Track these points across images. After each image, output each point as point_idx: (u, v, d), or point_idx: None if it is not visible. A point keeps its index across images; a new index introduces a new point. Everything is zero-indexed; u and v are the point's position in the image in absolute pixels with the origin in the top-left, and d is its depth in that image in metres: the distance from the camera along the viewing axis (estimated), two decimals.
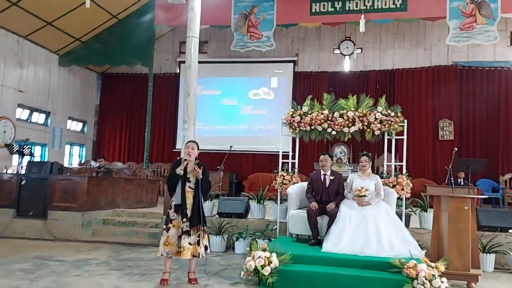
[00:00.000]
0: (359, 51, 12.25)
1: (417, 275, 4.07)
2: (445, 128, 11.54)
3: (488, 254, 5.63)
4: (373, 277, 4.26)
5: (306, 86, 12.69)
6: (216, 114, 13.16)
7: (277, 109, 12.51)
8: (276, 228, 6.50)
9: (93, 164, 12.48)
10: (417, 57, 12.05)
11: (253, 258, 4.52)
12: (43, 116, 11.85)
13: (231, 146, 9.49)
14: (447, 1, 9.77)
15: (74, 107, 13.05)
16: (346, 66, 12.33)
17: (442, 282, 4.05)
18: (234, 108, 13.21)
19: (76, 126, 13.36)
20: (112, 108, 14.00)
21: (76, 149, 13.52)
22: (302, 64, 12.85)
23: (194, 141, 4.70)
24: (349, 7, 10.33)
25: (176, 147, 13.39)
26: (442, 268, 4.23)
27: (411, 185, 6.12)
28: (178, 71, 13.68)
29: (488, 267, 5.60)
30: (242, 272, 4.59)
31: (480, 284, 4.75)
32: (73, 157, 13.36)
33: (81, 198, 7.39)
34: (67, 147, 12.97)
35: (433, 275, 4.07)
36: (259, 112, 13.02)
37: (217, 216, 6.95)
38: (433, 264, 4.23)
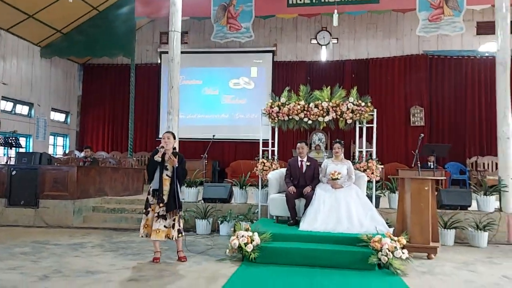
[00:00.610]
0: (335, 41, 12.72)
1: (381, 247, 4.62)
2: (416, 115, 12.20)
3: (448, 230, 6.25)
4: (344, 250, 4.80)
5: (284, 75, 13.13)
6: (198, 104, 13.50)
7: (257, 98, 12.96)
8: (257, 211, 6.99)
9: (78, 154, 12.72)
10: (389, 46, 12.61)
11: (237, 237, 5.00)
12: (26, 107, 12.01)
13: (213, 135, 9.86)
14: None
15: (56, 98, 13.19)
16: (323, 55, 12.80)
17: (403, 253, 4.62)
18: (215, 98, 13.58)
19: (59, 117, 13.52)
20: (94, 99, 14.19)
21: (60, 139, 13.70)
22: (280, 54, 13.27)
23: (170, 132, 5.11)
24: None
25: (159, 136, 13.70)
26: (404, 241, 4.80)
27: (380, 169, 6.68)
28: (159, 61, 13.93)
29: (449, 241, 6.23)
30: (227, 250, 5.07)
31: (439, 255, 5.35)
32: (57, 147, 13.54)
33: (71, 186, 7.72)
34: (51, 137, 13.14)
35: (395, 247, 4.63)
36: (239, 102, 13.42)
37: (202, 201, 7.40)
38: (395, 238, 4.79)
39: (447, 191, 6.95)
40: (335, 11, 9.09)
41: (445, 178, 7.73)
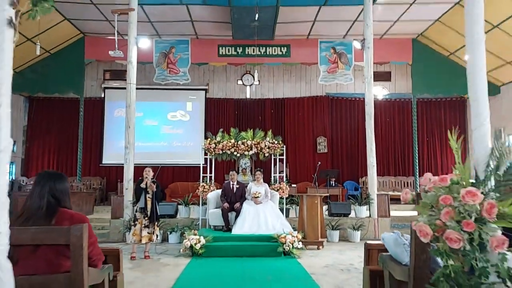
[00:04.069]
0: (257, 82, 15.34)
1: (285, 241, 7.08)
2: (321, 143, 15.19)
3: (335, 231, 8.94)
4: (262, 244, 7.22)
5: (215, 110, 15.51)
6: (140, 133, 15.19)
7: (192, 129, 15.22)
8: (199, 223, 9.17)
9: (24, 179, 13.88)
10: (300, 89, 15.58)
11: (188, 240, 7.18)
12: None
13: (160, 167, 11.84)
14: (318, 51, 13.35)
15: None
16: (248, 94, 15.36)
17: (299, 244, 7.13)
18: (155, 128, 15.52)
19: None
20: (39, 128, 15.34)
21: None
22: (212, 91, 15.63)
23: (150, 167, 7.22)
24: (248, 52, 13.44)
25: (103, 162, 15.29)
26: (300, 237, 7.33)
27: (288, 189, 9.26)
28: (102, 95, 15.58)
29: (335, 239, 8.91)
30: (181, 249, 7.23)
31: (326, 247, 7.96)
32: None
33: None
34: None
35: (294, 241, 7.12)
36: (176, 132, 15.50)
37: None
38: (295, 235, 7.30)
39: (335, 203, 9.72)
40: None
41: (327, 194, 10.33)
